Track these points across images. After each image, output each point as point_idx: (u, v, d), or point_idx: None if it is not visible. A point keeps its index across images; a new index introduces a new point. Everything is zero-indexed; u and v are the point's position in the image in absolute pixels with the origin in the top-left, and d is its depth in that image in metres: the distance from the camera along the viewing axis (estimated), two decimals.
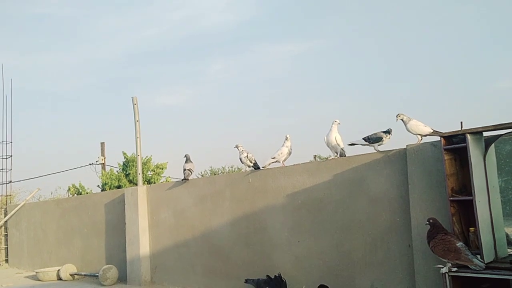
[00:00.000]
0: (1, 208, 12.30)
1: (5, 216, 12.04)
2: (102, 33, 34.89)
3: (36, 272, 9.61)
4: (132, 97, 8.72)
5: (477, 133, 4.16)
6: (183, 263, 7.46)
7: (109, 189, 14.19)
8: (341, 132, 5.72)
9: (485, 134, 4.25)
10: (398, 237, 4.98)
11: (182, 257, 7.48)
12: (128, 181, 14.91)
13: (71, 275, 9.32)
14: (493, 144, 4.29)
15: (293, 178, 5.99)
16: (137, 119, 8.64)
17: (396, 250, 5.00)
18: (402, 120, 4.91)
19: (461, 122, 4.54)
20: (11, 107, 12.70)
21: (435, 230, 4.15)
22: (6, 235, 12.10)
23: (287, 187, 6.06)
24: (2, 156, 12.54)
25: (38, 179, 16.48)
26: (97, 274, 8.51)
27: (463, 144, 4.11)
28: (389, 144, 5.22)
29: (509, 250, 4.35)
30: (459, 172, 4.34)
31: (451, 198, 4.24)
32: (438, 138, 4.51)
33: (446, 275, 4.01)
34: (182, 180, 7.54)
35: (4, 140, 12.58)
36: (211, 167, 23.85)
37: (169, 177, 16.08)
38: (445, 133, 4.34)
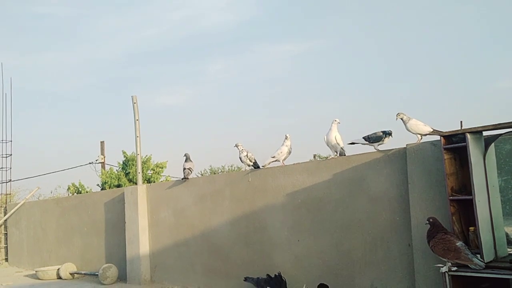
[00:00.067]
0: (1, 207, 12.30)
1: (4, 215, 12.04)
2: (102, 33, 34.90)
3: (36, 271, 9.61)
4: (132, 96, 8.72)
5: (477, 132, 4.16)
6: (182, 262, 7.46)
7: (109, 188, 14.19)
8: (341, 131, 5.73)
9: (485, 133, 4.25)
10: (398, 236, 4.98)
11: (181, 256, 7.48)
12: (128, 180, 14.91)
13: (71, 274, 9.32)
14: (493, 144, 4.30)
15: (293, 177, 5.99)
16: (137, 118, 8.64)
17: (396, 250, 5.00)
18: (401, 119, 4.92)
19: (461, 122, 4.55)
20: (11, 106, 12.71)
21: (435, 229, 4.15)
22: (6, 234, 12.11)
23: (287, 186, 6.06)
24: (2, 155, 12.55)
25: (38, 178, 16.51)
26: (97, 273, 8.51)
27: (463, 144, 4.11)
28: (389, 143, 5.23)
29: (509, 249, 4.35)
30: (459, 171, 4.34)
31: (451, 197, 4.24)
32: (438, 138, 4.51)
33: (446, 274, 4.01)
34: (182, 179, 7.54)
35: (4, 139, 12.58)
36: (211, 166, 23.87)
37: (168, 176, 16.10)
38: (445, 132, 4.34)
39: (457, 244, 3.96)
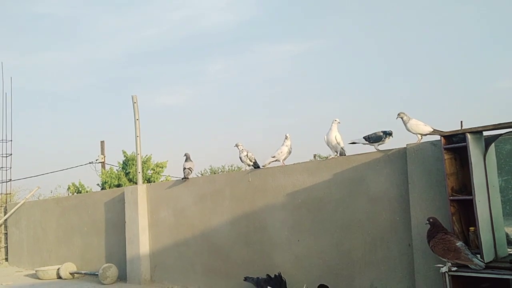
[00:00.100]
0: (1, 206, 12.30)
1: (5, 215, 12.04)
2: (102, 33, 34.90)
3: (36, 271, 9.61)
4: (132, 96, 8.73)
5: (477, 132, 4.16)
6: (183, 262, 7.46)
7: (109, 187, 14.19)
8: (341, 131, 5.73)
9: (485, 133, 4.25)
10: (398, 236, 4.98)
11: (182, 256, 7.48)
12: (128, 179, 14.91)
13: (71, 273, 9.32)
14: (493, 144, 4.30)
15: (293, 177, 5.99)
16: (137, 118, 8.64)
17: (396, 250, 5.00)
18: (402, 119, 4.92)
19: (461, 122, 4.55)
20: (11, 106, 12.69)
21: (435, 229, 4.15)
22: (6, 233, 12.11)
23: (287, 186, 6.05)
24: (2, 154, 12.53)
25: (38, 177, 16.48)
26: (97, 273, 8.51)
27: (463, 144, 4.11)
28: (389, 143, 5.23)
29: (509, 249, 4.35)
30: (459, 171, 4.34)
31: (451, 197, 4.24)
32: (438, 138, 4.51)
33: (446, 274, 4.01)
34: (182, 179, 7.54)
35: (4, 138, 12.57)
36: (211, 166, 23.87)
37: (169, 176, 16.10)
38: (445, 132, 4.34)
39: (457, 244, 3.95)
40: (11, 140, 12.53)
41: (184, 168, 7.49)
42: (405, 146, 4.92)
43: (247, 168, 6.65)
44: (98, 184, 15.66)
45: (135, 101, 8.68)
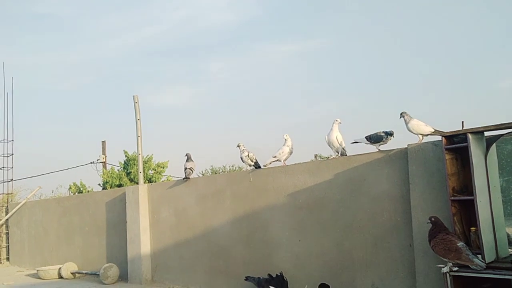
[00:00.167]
0: (2, 206, 12.32)
1: (6, 214, 12.06)
2: (103, 32, 34.92)
3: (37, 271, 9.62)
4: (133, 96, 8.74)
5: (478, 132, 4.16)
6: (184, 262, 7.47)
7: (110, 187, 14.19)
8: (342, 131, 5.73)
9: (486, 133, 4.25)
10: (399, 236, 4.98)
11: (183, 256, 7.49)
12: (129, 179, 14.92)
13: (72, 273, 9.33)
14: (494, 144, 4.29)
15: (294, 177, 5.99)
16: (138, 118, 8.65)
17: (397, 250, 5.00)
18: (403, 118, 4.92)
19: (462, 122, 4.55)
20: (13, 105, 12.70)
21: (436, 229, 4.15)
22: (7, 233, 12.12)
23: (288, 186, 6.06)
24: (3, 154, 12.54)
25: (39, 177, 16.45)
26: (98, 273, 8.52)
27: (464, 144, 4.11)
28: (390, 143, 5.23)
29: (510, 250, 4.35)
30: (460, 171, 4.34)
31: (452, 197, 4.24)
32: (439, 138, 4.51)
33: (447, 274, 4.01)
34: (183, 179, 7.55)
35: (5, 138, 12.57)
36: (212, 166, 23.88)
37: (170, 176, 16.11)
38: (446, 132, 4.34)
39: (458, 244, 3.96)
40: (13, 140, 12.55)
41: (185, 168, 7.49)
42: (406, 146, 4.92)
43: (248, 168, 6.65)
44: (99, 184, 15.66)
45: (136, 101, 8.69)
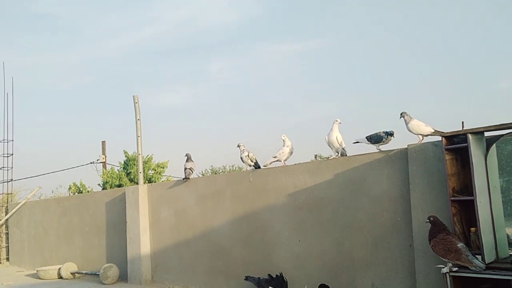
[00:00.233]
0: (2, 206, 12.32)
1: (6, 215, 12.06)
2: (103, 32, 34.93)
3: (37, 271, 9.62)
4: (133, 96, 8.74)
5: (478, 133, 4.16)
6: (184, 262, 7.47)
7: (110, 187, 14.20)
8: (342, 131, 5.73)
9: (486, 134, 4.25)
10: (399, 237, 4.98)
11: (182, 256, 7.49)
12: (129, 180, 14.92)
13: (72, 273, 9.33)
14: (494, 144, 4.29)
15: (294, 178, 5.99)
16: (138, 118, 8.65)
17: (397, 250, 5.00)
18: (403, 118, 4.92)
19: (463, 122, 4.54)
20: (13, 105, 12.70)
21: (436, 228, 4.15)
22: (7, 233, 12.12)
23: (288, 187, 6.06)
24: (3, 154, 12.54)
25: (39, 177, 16.47)
26: (98, 273, 8.52)
27: (465, 144, 4.11)
28: (390, 143, 5.23)
29: (510, 250, 4.35)
30: (460, 172, 4.34)
31: (452, 198, 4.24)
32: (439, 138, 4.51)
33: (447, 275, 4.01)
34: (183, 179, 7.55)
35: (5, 138, 12.58)
36: (212, 166, 23.91)
37: (170, 176, 16.12)
38: (447, 133, 4.34)
39: (458, 245, 3.95)
40: (13, 140, 12.55)
41: (185, 168, 7.49)
42: (406, 146, 4.92)
43: (248, 168, 6.65)
44: (99, 184, 15.67)
45: (137, 101, 8.69)
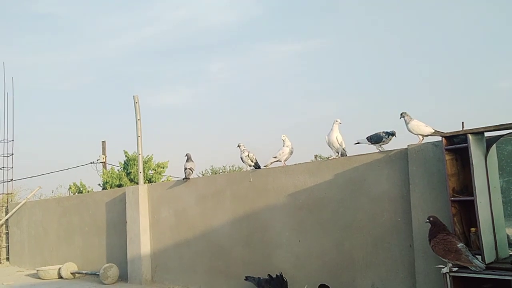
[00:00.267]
0: (2, 206, 12.31)
1: (6, 214, 12.06)
2: (103, 32, 34.93)
3: (37, 271, 9.62)
4: (133, 96, 8.74)
5: (478, 133, 4.16)
6: (184, 262, 7.47)
7: (110, 187, 14.20)
8: (342, 131, 5.74)
9: (486, 134, 4.25)
10: (399, 237, 4.98)
11: (183, 256, 7.49)
12: (129, 180, 14.92)
13: (72, 273, 9.33)
14: (494, 145, 4.29)
15: (294, 178, 5.99)
16: (138, 118, 8.65)
17: (397, 250, 5.00)
18: (403, 119, 4.92)
19: (463, 123, 4.54)
20: (13, 105, 12.70)
21: (436, 228, 4.15)
22: (7, 233, 12.12)
23: (288, 187, 6.06)
24: (3, 154, 12.54)
25: (39, 177, 16.49)
26: (98, 273, 8.52)
27: (465, 145, 4.11)
28: (390, 143, 5.24)
29: (510, 251, 4.35)
30: (460, 172, 4.34)
31: (452, 198, 4.24)
32: (439, 138, 4.51)
33: (447, 275, 4.01)
34: (183, 179, 7.55)
35: (5, 138, 12.58)
36: (212, 166, 23.90)
37: (170, 176, 16.12)
38: (447, 133, 4.34)
39: (458, 245, 3.96)
40: (13, 140, 12.55)
41: (185, 168, 7.49)
42: (406, 147, 4.92)
43: (248, 168, 6.65)
44: (99, 184, 15.67)
45: (137, 101, 8.69)
